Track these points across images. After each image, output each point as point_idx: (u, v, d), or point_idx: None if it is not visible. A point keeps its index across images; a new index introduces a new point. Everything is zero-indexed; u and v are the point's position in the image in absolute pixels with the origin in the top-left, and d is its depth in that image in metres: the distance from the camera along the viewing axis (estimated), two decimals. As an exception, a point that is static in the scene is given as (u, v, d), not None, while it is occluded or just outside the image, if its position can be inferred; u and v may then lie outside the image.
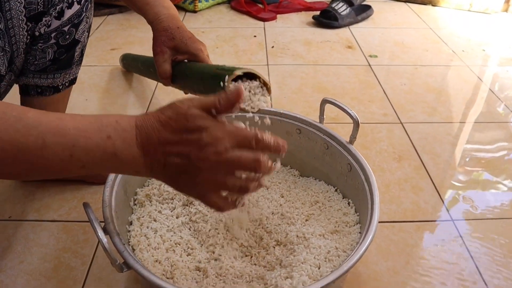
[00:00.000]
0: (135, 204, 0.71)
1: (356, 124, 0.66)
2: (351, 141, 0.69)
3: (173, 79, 0.74)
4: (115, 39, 1.59)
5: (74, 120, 0.42)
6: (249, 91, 0.57)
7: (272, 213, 0.71)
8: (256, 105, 0.56)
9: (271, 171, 0.45)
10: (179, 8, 1.88)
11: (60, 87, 0.84)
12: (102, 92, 1.26)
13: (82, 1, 0.73)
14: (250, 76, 0.58)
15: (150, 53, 0.78)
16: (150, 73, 0.99)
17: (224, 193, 0.45)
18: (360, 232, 0.63)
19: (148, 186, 0.75)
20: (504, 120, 1.18)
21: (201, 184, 0.44)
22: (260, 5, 1.89)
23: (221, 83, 0.56)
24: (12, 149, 0.39)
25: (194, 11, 1.85)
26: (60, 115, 0.42)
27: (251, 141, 0.44)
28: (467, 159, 1.03)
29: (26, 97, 0.84)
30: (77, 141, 0.40)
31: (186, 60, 0.74)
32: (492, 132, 1.13)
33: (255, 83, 0.58)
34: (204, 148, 0.42)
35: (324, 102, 0.71)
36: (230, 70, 0.58)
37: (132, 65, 1.25)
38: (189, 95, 0.48)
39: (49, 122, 0.40)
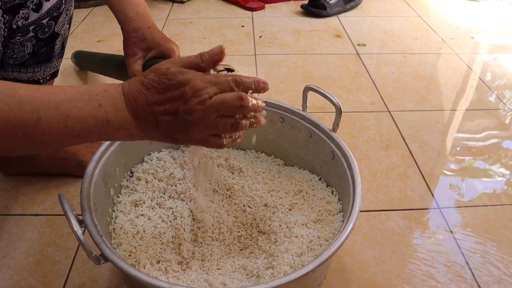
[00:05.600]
0: (117, 196, 0.70)
1: (339, 111, 0.65)
2: (334, 129, 0.68)
3: None
4: (101, 31, 1.57)
5: (65, 92, 0.44)
6: None
7: (256, 203, 0.70)
8: None
9: (259, 108, 0.48)
10: (167, -1, 1.86)
11: (41, 81, 0.82)
12: (88, 84, 1.25)
13: None
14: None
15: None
16: (111, 71, 0.95)
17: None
18: (342, 221, 0.63)
19: (131, 178, 0.74)
20: (494, 107, 1.18)
21: (196, 133, 0.47)
22: (249, -5, 1.87)
23: None
24: (7, 126, 0.40)
25: (182, 2, 1.83)
26: (51, 89, 0.44)
27: (231, 84, 0.46)
28: (456, 148, 1.03)
29: (7, 91, 0.83)
30: (70, 112, 0.43)
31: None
32: (481, 120, 1.13)
33: None
34: (189, 100, 0.45)
35: (307, 89, 0.70)
36: None
37: (88, 62, 1.20)
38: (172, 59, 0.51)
39: (41, 96, 0.42)
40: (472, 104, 1.19)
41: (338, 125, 0.67)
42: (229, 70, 0.57)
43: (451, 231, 0.80)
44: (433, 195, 0.88)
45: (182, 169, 0.75)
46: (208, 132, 0.47)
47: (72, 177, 0.90)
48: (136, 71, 0.72)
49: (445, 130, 1.08)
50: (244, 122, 0.48)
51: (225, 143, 0.49)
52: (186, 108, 0.45)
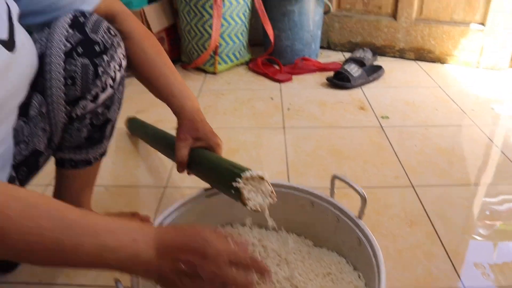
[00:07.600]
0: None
1: (364, 200, 0.71)
2: (360, 216, 0.73)
3: (188, 164, 0.82)
4: (140, 101, 1.66)
5: (106, 222, 0.52)
6: (261, 190, 0.67)
7: (287, 284, 0.75)
8: (260, 203, 0.67)
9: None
10: (200, 70, 1.99)
11: (92, 161, 0.91)
12: (127, 155, 1.34)
13: (115, 86, 0.81)
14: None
15: (172, 117, 0.86)
16: (159, 147, 1.05)
17: None
18: (370, 307, 0.67)
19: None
20: (515, 182, 1.21)
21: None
22: (276, 66, 1.99)
23: (233, 184, 0.67)
24: (51, 246, 0.48)
25: (214, 73, 1.96)
26: (96, 219, 0.52)
27: (245, 261, 0.54)
28: (480, 224, 1.05)
29: (61, 169, 0.91)
30: (107, 242, 0.50)
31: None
32: (505, 194, 1.15)
33: (268, 188, 0.68)
34: (207, 259, 0.52)
35: (334, 178, 0.77)
36: (241, 169, 0.68)
37: (139, 131, 1.31)
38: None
39: (86, 224, 0.50)
40: (495, 178, 1.22)
41: (364, 213, 0.73)
42: (261, 178, 0.67)
43: (477, 313, 0.82)
44: (458, 275, 0.91)
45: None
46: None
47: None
48: (184, 155, 0.81)
49: (469, 205, 1.11)
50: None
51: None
52: (203, 265, 0.51)
